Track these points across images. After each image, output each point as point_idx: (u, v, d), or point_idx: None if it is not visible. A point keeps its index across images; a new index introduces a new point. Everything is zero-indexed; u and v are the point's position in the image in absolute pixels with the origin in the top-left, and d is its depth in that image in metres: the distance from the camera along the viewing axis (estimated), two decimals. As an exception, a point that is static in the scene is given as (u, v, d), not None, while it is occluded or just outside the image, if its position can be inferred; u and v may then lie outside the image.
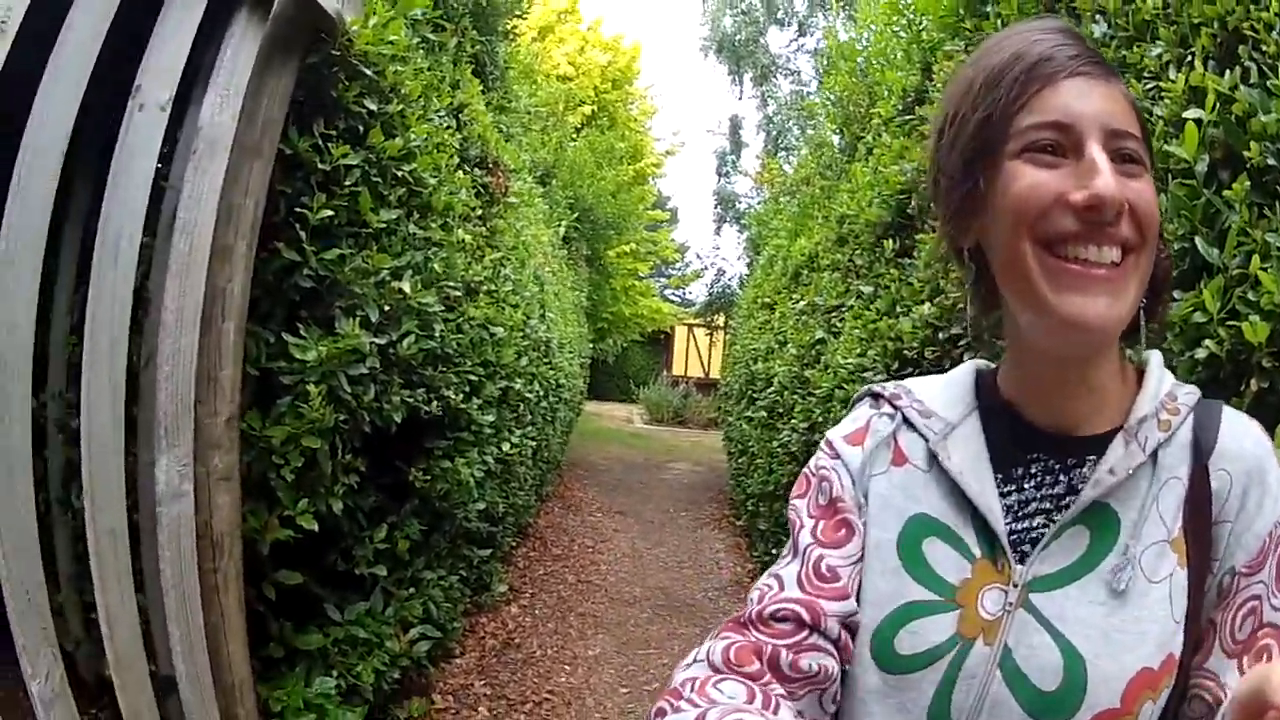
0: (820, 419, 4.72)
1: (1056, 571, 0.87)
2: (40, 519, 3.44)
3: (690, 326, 26.33)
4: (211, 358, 2.69)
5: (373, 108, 3.21)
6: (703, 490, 11.57)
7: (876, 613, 0.91)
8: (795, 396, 5.72)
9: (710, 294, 22.02)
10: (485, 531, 5.40)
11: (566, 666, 5.18)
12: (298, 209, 2.95)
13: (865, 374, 3.90)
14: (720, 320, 22.00)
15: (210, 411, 2.71)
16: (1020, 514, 0.91)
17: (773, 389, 6.72)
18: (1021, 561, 0.88)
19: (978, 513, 0.91)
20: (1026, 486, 0.92)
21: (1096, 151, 0.82)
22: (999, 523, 0.90)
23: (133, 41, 2.40)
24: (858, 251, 4.96)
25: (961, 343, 2.93)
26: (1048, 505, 0.91)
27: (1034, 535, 0.90)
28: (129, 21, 2.32)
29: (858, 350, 4.15)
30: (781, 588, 0.93)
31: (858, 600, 0.93)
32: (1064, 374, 0.91)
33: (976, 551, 0.90)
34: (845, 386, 4.13)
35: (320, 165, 3.00)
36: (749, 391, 8.31)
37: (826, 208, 6.51)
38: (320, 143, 3.02)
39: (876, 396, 1.05)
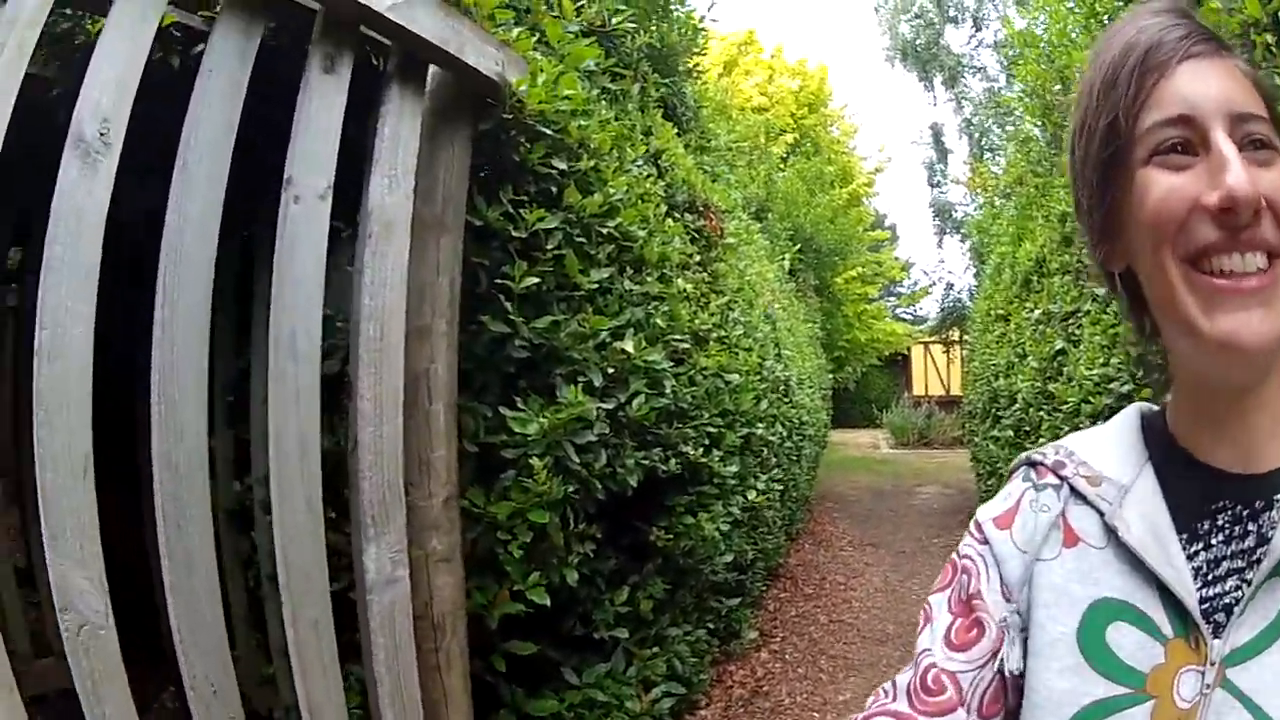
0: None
1: (1254, 638, 0.72)
2: (251, 594, 3.52)
3: (926, 344, 24.98)
4: (422, 440, 2.53)
5: (562, 166, 2.96)
6: (953, 515, 10.63)
7: (1055, 718, 0.77)
8: (1040, 413, 5.18)
9: (942, 309, 20.85)
10: (734, 581, 5.05)
11: (815, 714, 4.68)
12: (499, 280, 2.74)
13: (1111, 385, 3.48)
14: (955, 335, 20.71)
15: (425, 494, 2.55)
16: (1210, 577, 0.76)
17: (1017, 406, 6.14)
18: (1217, 634, 0.73)
19: (1166, 586, 0.75)
20: (1214, 542, 0.76)
21: (1223, 141, 0.70)
22: (1190, 595, 0.74)
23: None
24: (1086, 251, 4.30)
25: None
26: (1240, 563, 0.75)
27: (1228, 601, 0.74)
28: (267, 113, 2.21)
29: (1100, 359, 3.71)
30: (893, 698, 0.84)
31: (1025, 701, 0.80)
32: (1234, 404, 0.76)
33: (1168, 631, 0.75)
34: (1092, 400, 3.67)
35: (515, 233, 2.78)
36: (992, 409, 7.67)
37: (1045, 207, 6.00)
38: (511, 209, 2.80)
39: (1035, 465, 0.89)
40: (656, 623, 3.84)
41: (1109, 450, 0.86)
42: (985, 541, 0.88)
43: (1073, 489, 0.85)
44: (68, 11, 2.78)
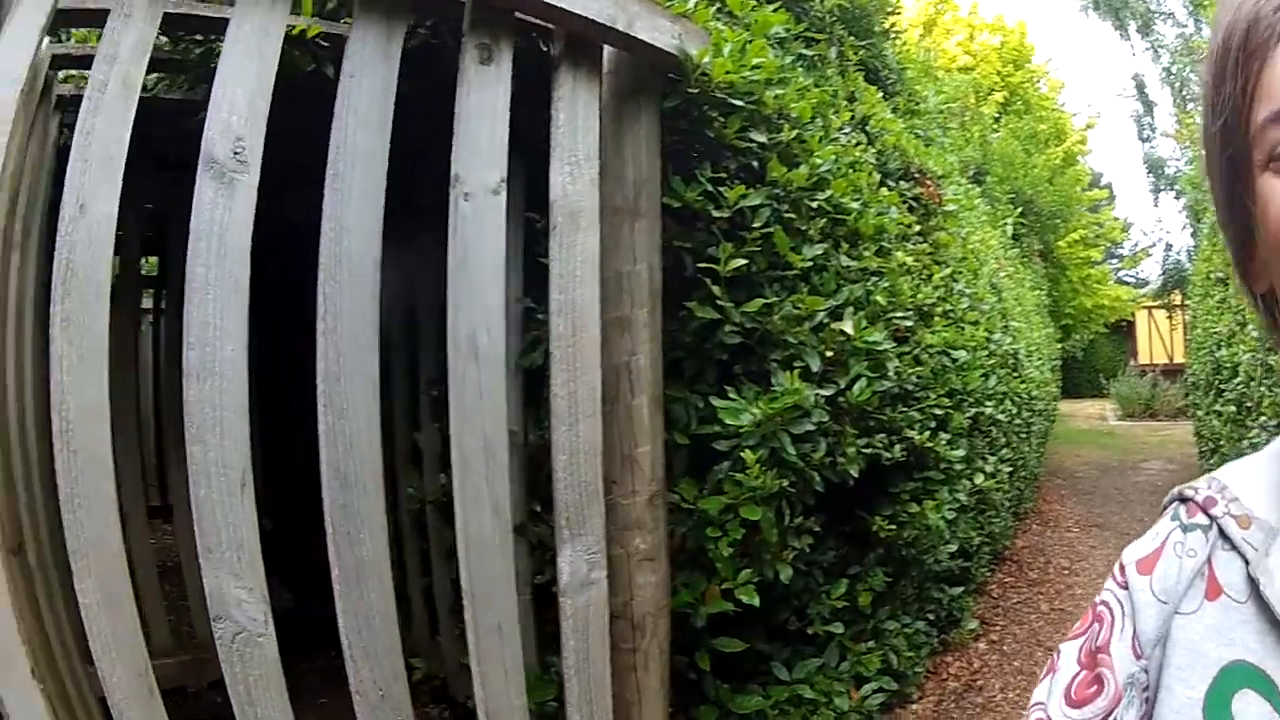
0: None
1: None
2: (455, 584, 3.40)
3: (1149, 309, 22.63)
4: (624, 436, 2.36)
5: (762, 139, 2.67)
6: (1178, 495, 9.52)
7: None
8: (1262, 388, 4.57)
9: (1163, 272, 18.77)
10: (958, 568, 4.59)
11: (1025, 711, 4.14)
12: (705, 263, 2.49)
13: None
14: (1177, 299, 18.61)
15: (627, 492, 2.37)
16: None
17: (1239, 379, 5.39)
18: None
19: None
20: None
21: None
22: None
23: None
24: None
25: None
26: None
27: None
28: (428, 110, 2.13)
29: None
30: None
31: None
32: None
33: None
34: (1315, 376, 3.27)
35: (717, 213, 2.52)
36: (1215, 381, 6.80)
37: (1255, 158, 5.03)
38: (711, 188, 2.53)
39: (1186, 501, 0.71)
40: (874, 616, 3.52)
41: (1261, 484, 0.71)
42: (1125, 586, 0.75)
43: (1221, 531, 0.70)
44: (198, 37, 2.80)
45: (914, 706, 4.07)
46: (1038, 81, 22.42)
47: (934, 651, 4.52)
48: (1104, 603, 0.77)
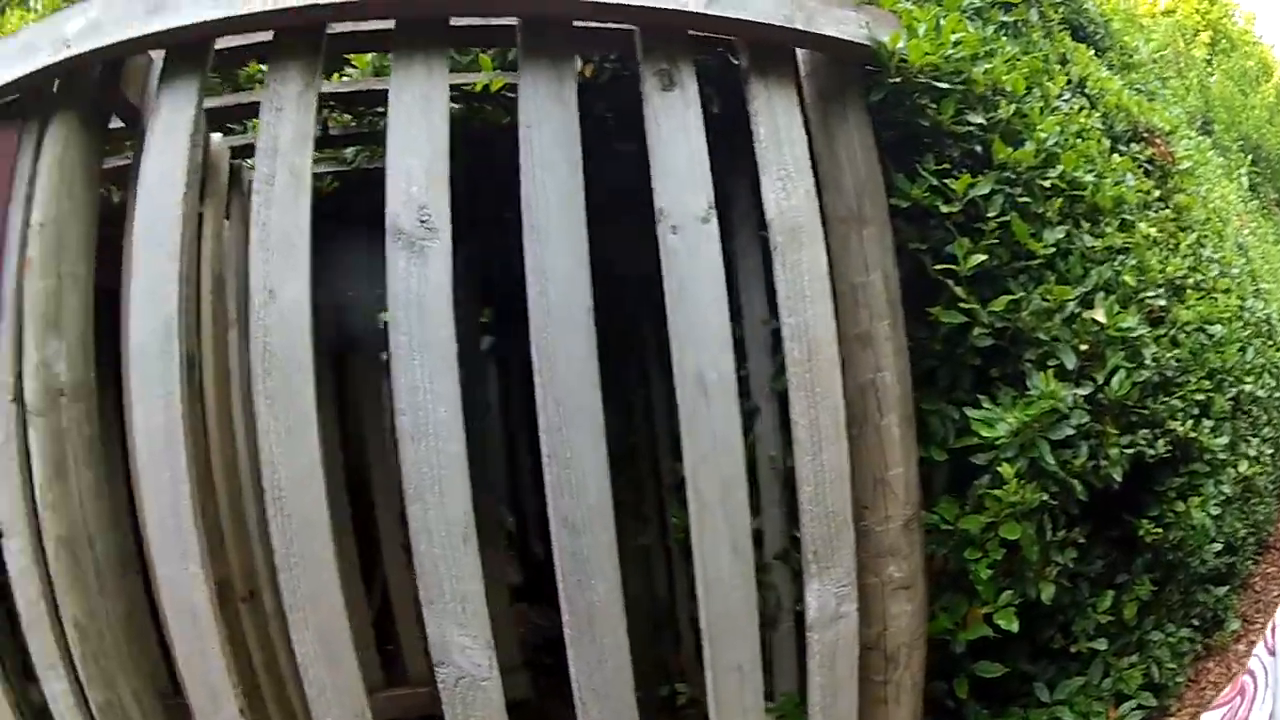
0: None
1: None
2: None
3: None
4: (874, 458, 2.20)
5: (980, 120, 2.45)
6: None
7: None
8: None
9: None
10: (1224, 566, 4.06)
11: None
12: (943, 264, 2.29)
13: None
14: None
15: (880, 518, 2.22)
16: None
17: None
18: None
19: None
20: None
21: None
22: None
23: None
24: None
25: None
26: None
27: None
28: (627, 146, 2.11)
29: None
30: None
31: None
32: None
33: None
34: None
35: (946, 207, 2.30)
36: None
37: None
38: (936, 181, 2.31)
39: None
40: (1139, 627, 3.16)
41: None
42: (1274, 652, 0.68)
43: None
44: (381, 109, 2.82)
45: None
46: (1233, 15, 20.38)
47: (1196, 658, 4.06)
48: (1250, 672, 0.70)
